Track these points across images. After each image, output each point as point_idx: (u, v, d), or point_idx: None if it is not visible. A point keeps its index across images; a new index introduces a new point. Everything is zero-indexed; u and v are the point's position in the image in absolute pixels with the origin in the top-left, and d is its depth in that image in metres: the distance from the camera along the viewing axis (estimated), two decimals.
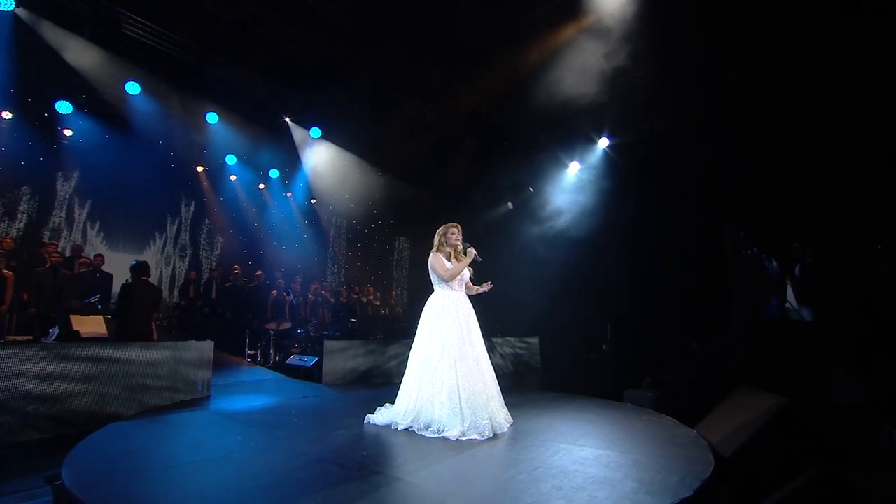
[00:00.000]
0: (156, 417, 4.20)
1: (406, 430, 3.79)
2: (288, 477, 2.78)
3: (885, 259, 6.21)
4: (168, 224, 10.59)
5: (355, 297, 10.28)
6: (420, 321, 4.11)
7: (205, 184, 10.92)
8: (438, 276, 4.07)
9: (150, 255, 10.06)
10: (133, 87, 8.07)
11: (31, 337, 5.80)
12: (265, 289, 9.06)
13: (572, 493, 2.54)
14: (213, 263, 10.84)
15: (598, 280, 9.24)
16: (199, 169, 10.69)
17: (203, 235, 11.10)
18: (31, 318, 6.50)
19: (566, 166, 9.92)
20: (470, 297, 4.25)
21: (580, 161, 9.70)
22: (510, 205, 11.38)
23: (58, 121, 8.35)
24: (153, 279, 7.77)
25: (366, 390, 5.91)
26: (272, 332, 8.18)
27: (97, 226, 9.41)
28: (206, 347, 5.27)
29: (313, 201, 12.01)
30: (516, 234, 10.71)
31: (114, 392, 4.36)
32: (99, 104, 8.40)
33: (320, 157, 10.68)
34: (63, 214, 9.01)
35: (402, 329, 9.57)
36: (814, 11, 5.30)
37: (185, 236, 10.79)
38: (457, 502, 2.51)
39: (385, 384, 6.29)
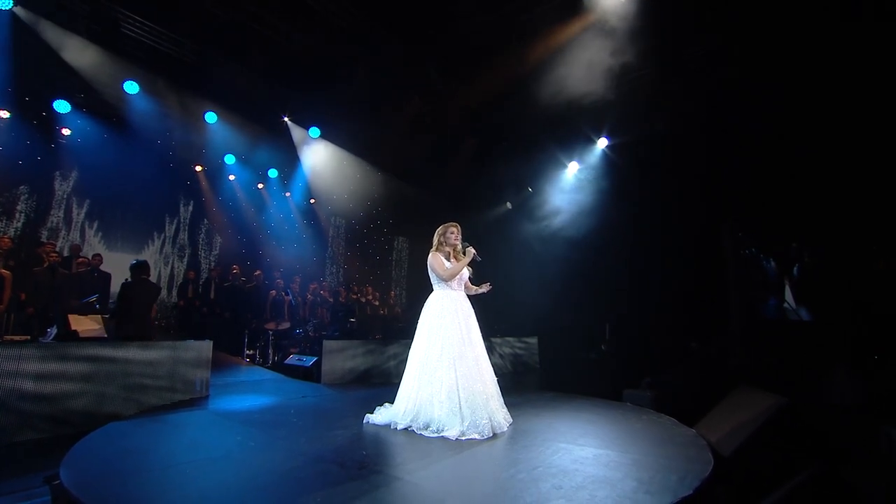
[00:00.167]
0: (154, 417, 4.19)
1: (405, 429, 3.79)
2: (287, 476, 2.78)
3: (883, 259, 6.22)
4: (167, 224, 10.56)
5: (354, 297, 10.28)
6: (419, 320, 4.10)
7: (203, 183, 10.90)
8: (438, 276, 4.07)
9: (149, 255, 10.04)
10: (131, 87, 8.05)
11: (28, 337, 5.78)
12: (264, 289, 9.04)
13: (572, 492, 2.54)
14: (212, 263, 10.83)
15: (597, 280, 9.25)
16: (198, 168, 10.66)
17: (202, 235, 11.08)
18: (29, 317, 6.48)
19: (565, 166, 9.93)
20: (469, 296, 4.25)
21: (579, 161, 9.71)
22: (509, 205, 11.38)
23: (56, 120, 8.32)
24: (152, 279, 7.73)
25: (365, 390, 5.91)
26: (271, 332, 8.17)
27: (95, 225, 9.38)
28: (205, 347, 5.26)
29: (312, 201, 12.00)
30: (515, 233, 10.72)
31: (112, 392, 4.35)
32: (97, 103, 8.38)
33: (319, 157, 10.66)
34: (61, 214, 8.98)
35: (400, 329, 9.56)
36: (814, 11, 5.32)
37: (183, 236, 10.77)
38: (456, 502, 2.51)
39: (384, 384, 6.28)
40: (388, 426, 3.89)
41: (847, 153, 6.02)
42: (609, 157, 9.20)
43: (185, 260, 10.71)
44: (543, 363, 9.29)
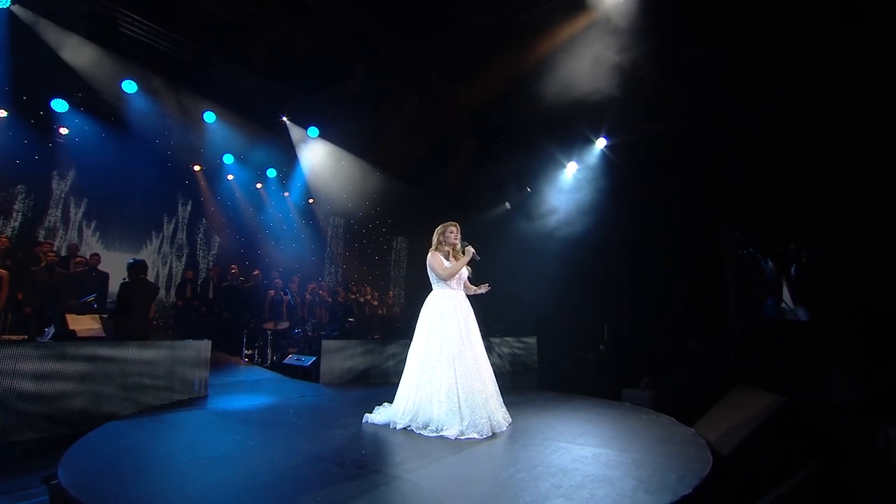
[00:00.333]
0: (153, 417, 4.18)
1: (404, 429, 3.79)
2: (286, 476, 2.77)
3: (880, 259, 6.24)
4: (165, 223, 10.53)
5: (353, 297, 10.27)
6: (418, 320, 4.10)
7: (202, 183, 10.87)
8: (437, 275, 4.07)
9: (147, 255, 10.00)
10: (130, 86, 8.02)
11: (25, 336, 5.76)
12: (262, 288, 9.03)
13: (572, 491, 2.54)
14: (211, 263, 10.80)
15: (596, 280, 9.26)
16: (197, 168, 10.63)
17: (200, 235, 11.05)
18: (27, 317, 6.46)
19: (564, 166, 9.94)
20: (468, 296, 4.25)
21: (578, 161, 9.72)
22: (508, 205, 11.39)
23: (53, 119, 8.27)
24: (150, 279, 7.71)
25: (363, 390, 5.90)
26: (269, 332, 8.16)
27: (93, 225, 9.35)
28: (204, 347, 5.25)
29: (311, 201, 11.98)
30: (514, 234, 10.73)
31: (110, 391, 4.33)
32: (95, 103, 8.35)
33: (318, 157, 10.64)
34: (59, 213, 8.94)
35: (399, 329, 9.56)
36: (813, 11, 5.33)
37: (181, 236, 10.74)
38: (456, 501, 2.50)
39: (383, 384, 6.28)
40: (387, 426, 3.89)
41: (845, 154, 6.04)
42: (608, 157, 9.21)
43: (184, 260, 10.68)
44: (542, 363, 9.29)
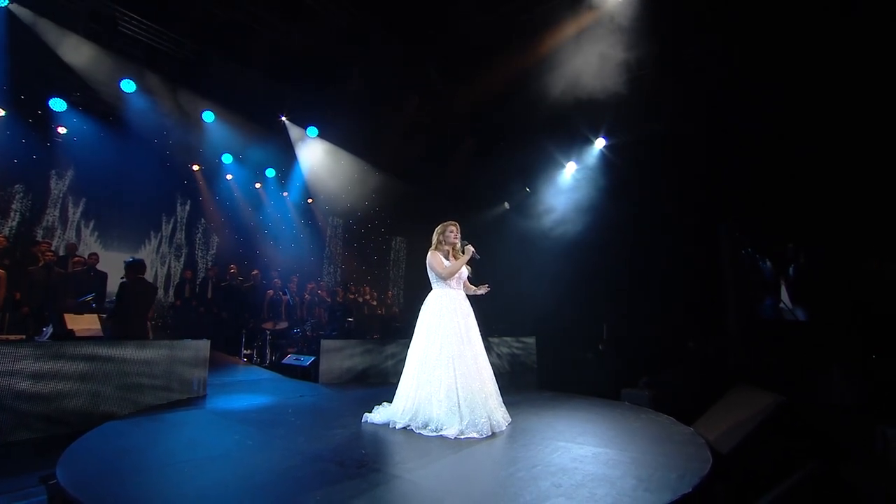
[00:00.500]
0: (152, 416, 4.17)
1: (404, 428, 3.78)
2: (286, 475, 2.77)
3: (878, 259, 6.26)
4: (163, 223, 10.51)
5: (352, 297, 10.26)
6: (418, 319, 4.10)
7: (201, 183, 10.85)
8: (437, 274, 4.07)
9: (146, 254, 9.98)
10: (128, 85, 8.00)
11: (23, 336, 5.73)
12: (261, 288, 9.02)
13: (572, 490, 2.54)
14: (209, 263, 10.78)
15: (595, 280, 9.26)
16: (195, 168, 10.61)
17: (199, 234, 11.03)
18: (24, 317, 6.43)
19: (563, 166, 9.95)
20: (467, 296, 4.25)
21: (577, 161, 9.73)
22: (507, 205, 11.39)
23: (52, 118, 8.25)
24: (148, 279, 7.69)
25: (363, 389, 5.89)
26: (268, 332, 8.15)
27: (91, 224, 9.33)
28: (202, 346, 5.23)
29: (310, 201, 11.97)
30: (513, 234, 10.73)
31: (109, 391, 4.32)
32: (94, 102, 8.33)
33: (317, 157, 10.63)
34: (57, 213, 8.92)
35: (398, 329, 9.55)
36: (813, 11, 5.35)
37: (180, 235, 10.72)
38: (456, 500, 2.50)
39: (382, 384, 6.27)
40: (386, 425, 3.89)
41: (844, 154, 6.05)
42: (607, 157, 9.22)
43: (182, 259, 10.66)
44: (541, 363, 9.30)
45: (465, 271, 4.20)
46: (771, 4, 5.57)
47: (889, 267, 6.00)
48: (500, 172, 10.35)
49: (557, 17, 6.77)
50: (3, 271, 6.09)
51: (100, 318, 5.66)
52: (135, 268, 5.55)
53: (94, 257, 7.57)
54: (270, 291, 8.88)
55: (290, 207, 11.81)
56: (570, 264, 9.36)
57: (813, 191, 6.46)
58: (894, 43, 5.10)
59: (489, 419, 3.71)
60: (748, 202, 7.47)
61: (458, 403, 3.69)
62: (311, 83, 8.69)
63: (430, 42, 7.80)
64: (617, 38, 6.49)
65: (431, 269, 4.09)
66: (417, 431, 3.70)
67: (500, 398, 4.03)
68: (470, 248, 4.08)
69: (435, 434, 3.61)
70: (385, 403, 4.15)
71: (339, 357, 6.48)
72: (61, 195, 8.96)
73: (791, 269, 7.43)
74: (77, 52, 7.28)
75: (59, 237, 8.86)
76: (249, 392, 5.44)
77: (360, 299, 10.42)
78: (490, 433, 3.65)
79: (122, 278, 5.66)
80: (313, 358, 6.55)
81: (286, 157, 10.58)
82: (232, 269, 9.20)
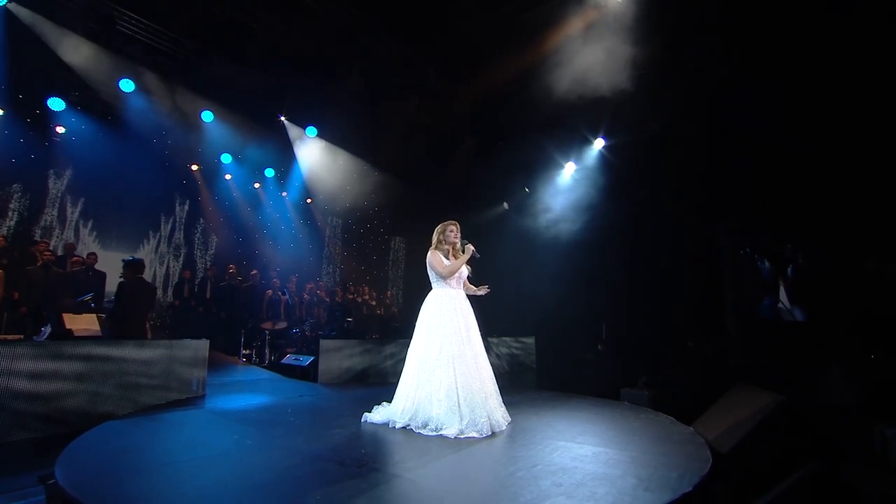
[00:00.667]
0: (151, 416, 4.16)
1: (404, 428, 3.78)
2: (285, 475, 2.76)
3: (875, 260, 6.28)
4: (162, 223, 10.49)
5: (351, 296, 10.25)
6: (418, 319, 4.10)
7: (199, 182, 10.84)
8: (437, 273, 4.07)
9: (144, 254, 9.96)
10: (127, 85, 7.99)
11: (21, 336, 5.71)
12: (260, 288, 9.00)
13: (572, 490, 2.54)
14: (208, 263, 10.76)
15: (594, 280, 9.27)
16: (194, 168, 10.60)
17: (198, 234, 11.01)
18: (23, 316, 6.41)
19: (562, 167, 9.95)
20: (467, 296, 4.25)
21: (576, 161, 9.73)
22: (506, 205, 11.39)
23: (50, 118, 8.24)
24: (147, 279, 7.68)
25: (362, 389, 5.89)
26: (267, 332, 8.13)
27: (90, 224, 9.31)
28: (202, 346, 5.22)
29: (309, 200, 11.96)
30: (512, 234, 10.73)
31: (107, 391, 4.30)
32: (92, 101, 8.32)
33: (316, 157, 10.63)
34: (55, 213, 8.90)
35: (397, 329, 9.55)
36: (814, 11, 5.36)
37: (179, 235, 10.70)
38: (456, 499, 2.50)
39: (381, 384, 6.27)
40: (386, 425, 3.88)
41: (842, 155, 6.07)
42: (606, 157, 9.23)
43: (181, 259, 10.65)
44: (540, 363, 9.30)
45: (465, 271, 4.20)
46: (771, 4, 5.58)
47: (888, 267, 6.02)
48: (499, 172, 10.35)
49: (557, 17, 6.77)
50: (1, 271, 6.08)
51: (98, 318, 5.64)
52: (133, 267, 5.54)
53: (93, 257, 7.55)
54: (269, 291, 8.87)
55: (289, 207, 11.79)
56: (570, 264, 9.37)
57: (812, 191, 6.47)
58: (894, 43, 5.11)
59: (489, 419, 3.71)
60: (747, 202, 7.49)
61: (458, 403, 3.69)
62: (310, 83, 8.68)
63: (430, 42, 7.80)
64: (617, 38, 6.49)
65: (432, 268, 4.09)
66: (417, 431, 3.69)
67: (499, 398, 4.03)
68: (470, 247, 4.08)
69: (435, 434, 3.61)
70: (384, 403, 4.15)
71: (338, 357, 6.47)
72: (59, 195, 8.94)
73: (789, 270, 7.45)
74: (76, 51, 7.27)
75: (58, 237, 8.84)
76: (248, 392, 5.43)
77: (359, 299, 10.41)
78: (490, 433, 3.65)
79: (120, 277, 5.65)
80: (312, 358, 6.54)
81: (285, 156, 10.57)
82: (231, 268, 9.19)
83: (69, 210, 9.06)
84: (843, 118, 5.82)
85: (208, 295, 8.86)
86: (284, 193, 11.62)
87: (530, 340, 9.49)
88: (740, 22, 5.84)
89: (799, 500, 3.13)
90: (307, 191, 11.49)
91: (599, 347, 9.07)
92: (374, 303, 10.79)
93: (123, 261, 5.62)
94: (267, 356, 7.97)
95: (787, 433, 3.80)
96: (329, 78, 8.49)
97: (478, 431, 3.59)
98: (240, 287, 8.97)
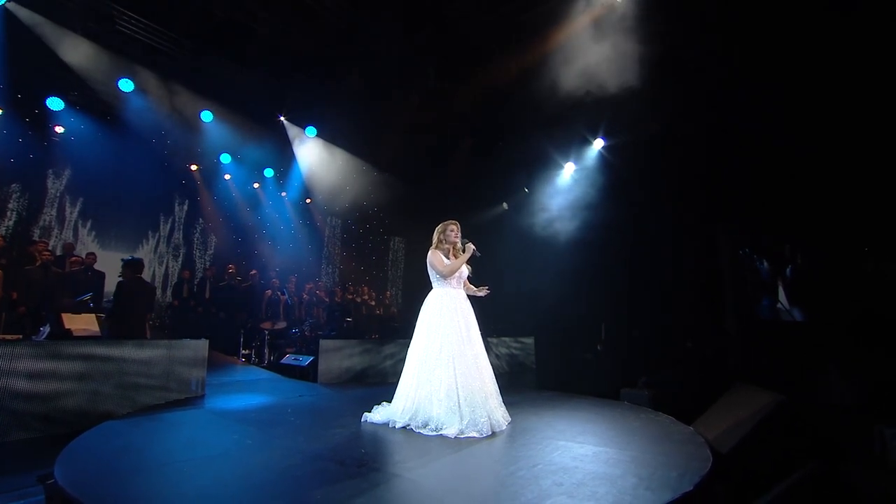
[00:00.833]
0: (150, 416, 4.15)
1: (404, 428, 3.78)
2: (286, 474, 2.76)
3: (873, 260, 6.28)
4: (161, 223, 10.47)
5: (350, 297, 10.24)
6: (418, 319, 4.09)
7: (199, 182, 10.82)
8: (438, 273, 4.06)
9: (143, 254, 9.94)
10: (126, 84, 7.98)
11: (20, 336, 5.70)
12: (259, 288, 8.99)
13: (573, 489, 2.53)
14: (207, 263, 10.74)
15: (594, 280, 9.27)
16: (193, 167, 10.58)
17: (197, 234, 10.99)
18: (21, 316, 6.39)
19: (562, 167, 9.96)
20: (467, 296, 4.24)
21: (575, 162, 9.74)
22: (505, 205, 11.39)
23: (49, 117, 8.22)
24: (146, 279, 7.67)
25: (362, 389, 5.88)
26: (267, 332, 8.12)
27: (89, 224, 9.29)
28: (201, 346, 5.21)
29: (308, 201, 11.94)
30: (511, 234, 10.72)
31: (106, 391, 4.30)
32: (91, 101, 8.30)
33: (315, 157, 10.62)
34: (54, 212, 8.88)
35: (396, 329, 9.54)
36: (814, 11, 5.37)
37: (178, 235, 10.68)
38: (457, 498, 2.50)
39: (381, 384, 6.26)
40: (386, 425, 3.88)
41: (841, 155, 6.08)
42: (605, 157, 9.23)
43: (180, 259, 10.63)
44: (540, 363, 9.30)
45: (465, 270, 4.20)
46: (771, 4, 5.59)
47: (887, 267, 6.03)
48: (499, 172, 10.35)
49: (557, 16, 6.78)
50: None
51: (98, 318, 5.63)
52: (133, 267, 5.53)
53: (92, 257, 7.53)
54: (268, 291, 8.86)
55: (288, 207, 11.78)
56: (569, 264, 9.37)
57: (811, 191, 6.47)
58: (894, 43, 5.12)
59: (489, 418, 3.71)
60: (747, 202, 7.49)
61: (459, 403, 3.69)
62: (309, 82, 8.68)
63: (428, 42, 7.79)
64: (617, 38, 6.49)
65: (432, 267, 4.08)
66: (417, 431, 3.69)
67: (499, 398, 4.02)
68: (470, 246, 4.09)
69: (435, 433, 3.61)
70: (384, 403, 4.15)
71: (337, 357, 6.46)
72: (58, 194, 8.92)
73: (788, 270, 7.46)
74: (75, 50, 7.25)
75: (57, 237, 8.81)
76: (248, 392, 5.42)
77: (359, 299, 10.41)
78: (490, 432, 3.65)
79: (119, 277, 5.64)
80: (312, 358, 6.53)
81: (284, 156, 10.56)
82: (230, 268, 9.18)
83: (68, 210, 9.04)
84: (843, 118, 5.82)
85: (207, 295, 8.85)
86: (284, 193, 11.61)
87: (530, 340, 9.49)
88: (740, 22, 5.85)
89: (799, 500, 3.13)
90: (306, 191, 11.47)
91: (599, 347, 9.07)
92: (373, 303, 10.79)
93: (122, 260, 5.62)
94: (266, 356, 7.96)
95: (787, 433, 3.80)
96: (329, 77, 8.49)
97: (478, 431, 3.59)
98: (239, 287, 8.96)
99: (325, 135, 10.24)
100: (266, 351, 8.03)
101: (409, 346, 4.11)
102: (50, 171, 8.80)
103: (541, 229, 10.10)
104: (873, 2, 5.16)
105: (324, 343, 6.46)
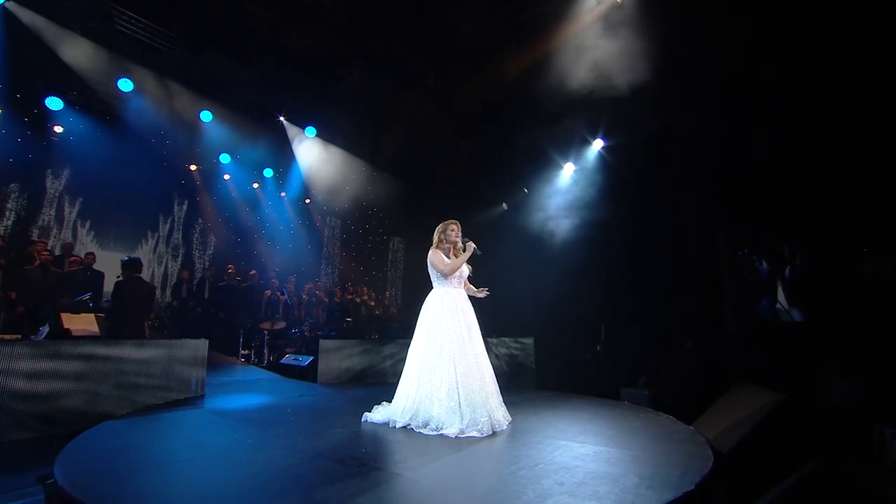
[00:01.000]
0: (150, 416, 4.14)
1: (404, 427, 3.77)
2: (286, 473, 2.75)
3: (872, 260, 6.29)
4: (161, 223, 10.45)
5: (349, 297, 10.23)
6: (419, 318, 4.09)
7: (198, 182, 10.81)
8: (438, 272, 4.06)
9: (143, 255, 9.92)
10: (126, 84, 7.97)
11: (19, 336, 5.68)
12: (259, 288, 8.98)
13: (574, 488, 2.53)
14: (207, 263, 10.72)
15: (593, 280, 9.27)
16: (193, 167, 10.57)
17: (196, 235, 10.97)
18: (20, 316, 6.37)
19: (561, 167, 9.96)
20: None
21: (575, 162, 9.75)
22: (505, 206, 11.39)
23: (48, 117, 8.20)
24: (145, 279, 7.66)
25: (362, 389, 5.87)
26: (266, 332, 8.11)
27: (88, 224, 9.27)
28: (201, 346, 5.20)
29: (307, 201, 11.94)
30: (511, 234, 10.72)
31: (106, 391, 4.28)
32: (90, 101, 8.29)
33: (315, 157, 10.61)
34: (52, 212, 8.86)
35: (396, 329, 9.53)
36: (814, 11, 5.38)
37: (177, 235, 10.66)
38: (458, 498, 2.49)
39: (380, 384, 6.25)
40: (386, 424, 3.88)
41: (840, 156, 6.08)
42: (605, 157, 9.24)
43: (180, 259, 10.61)
44: (540, 363, 9.30)
45: (466, 270, 4.20)
46: (771, 4, 5.60)
47: (886, 267, 6.04)
48: (499, 172, 10.35)
49: (557, 17, 6.79)
50: None
51: (97, 318, 5.62)
52: (131, 266, 5.51)
53: (91, 257, 7.51)
54: (268, 291, 8.85)
55: (287, 207, 11.77)
56: (569, 264, 9.37)
57: (811, 192, 6.48)
58: (894, 43, 5.13)
59: (490, 418, 3.70)
60: (746, 203, 7.49)
61: (459, 402, 3.68)
62: (309, 82, 8.68)
63: (428, 42, 7.79)
64: (617, 38, 6.51)
65: (433, 266, 4.08)
66: (418, 430, 3.69)
67: (500, 397, 4.02)
68: (471, 245, 4.09)
69: (435, 433, 3.60)
70: (385, 403, 4.14)
71: (337, 357, 6.46)
72: (57, 194, 8.91)
73: (787, 270, 7.46)
74: (74, 50, 7.25)
75: (55, 237, 8.79)
76: (248, 392, 5.41)
77: (358, 300, 10.40)
78: (491, 432, 3.64)
79: (118, 277, 5.62)
80: (311, 358, 6.52)
81: (284, 156, 10.55)
82: (229, 268, 9.16)
83: (67, 210, 9.02)
84: (843, 119, 5.83)
85: (207, 295, 8.83)
86: (283, 193, 11.59)
87: (529, 341, 9.48)
88: (740, 22, 5.86)
89: (799, 500, 3.13)
90: (306, 191, 11.46)
91: (599, 347, 9.07)
92: (372, 303, 10.78)
93: (122, 261, 5.60)
94: (266, 356, 7.94)
95: (787, 433, 3.80)
96: (328, 77, 8.49)
97: (478, 431, 3.59)
98: (238, 287, 8.95)
99: (325, 135, 10.23)
100: (265, 351, 8.02)
101: (408, 347, 4.11)
102: (49, 170, 8.79)
103: (540, 229, 10.10)
104: (873, 2, 5.17)
105: (323, 343, 6.45)
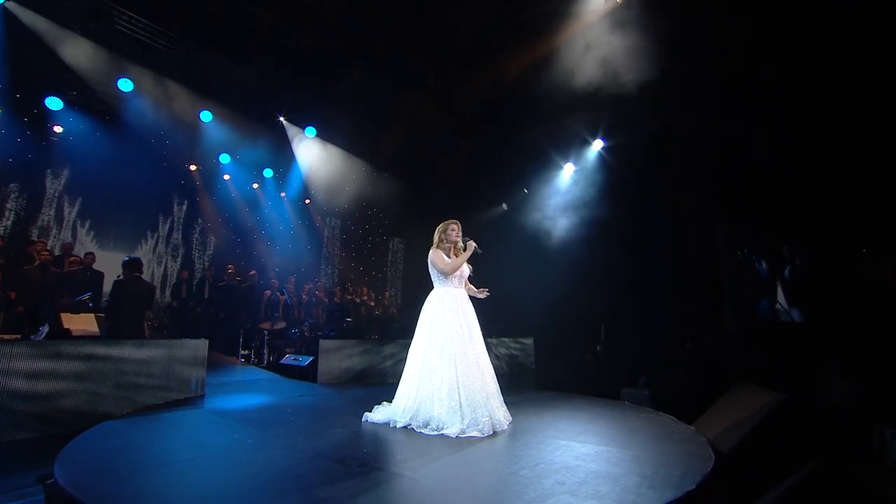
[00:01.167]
0: (150, 416, 4.13)
1: (405, 427, 3.77)
2: (287, 473, 2.75)
3: (871, 261, 6.30)
4: (160, 223, 10.44)
5: (349, 297, 10.23)
6: (419, 318, 4.09)
7: (198, 182, 10.80)
8: (439, 271, 4.06)
9: (142, 255, 9.91)
10: (125, 84, 7.96)
11: (18, 336, 5.67)
12: (259, 288, 8.97)
13: (576, 488, 2.53)
14: (206, 263, 10.72)
15: (593, 280, 9.27)
16: (192, 168, 10.56)
17: (196, 235, 10.97)
18: (20, 316, 6.37)
19: (561, 167, 9.97)
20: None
21: (575, 162, 9.75)
22: (505, 206, 11.39)
23: (48, 117, 8.20)
24: (145, 279, 7.65)
25: (362, 389, 5.87)
26: (266, 332, 8.11)
27: (87, 224, 9.26)
28: (201, 346, 5.19)
29: (307, 201, 11.93)
30: (511, 235, 10.72)
31: (106, 391, 4.27)
32: (90, 101, 8.29)
33: (315, 157, 10.61)
34: (52, 212, 8.85)
35: (396, 329, 9.53)
36: (814, 11, 5.38)
37: (177, 235, 10.66)
38: (459, 498, 2.49)
39: (381, 384, 6.25)
40: (387, 424, 3.87)
41: (840, 156, 6.09)
42: (605, 158, 9.24)
43: (179, 260, 10.60)
44: (540, 363, 9.29)
45: (466, 270, 4.20)
46: (771, 4, 5.60)
47: (886, 267, 6.04)
48: (498, 173, 10.35)
49: (557, 17, 6.79)
50: None
51: (97, 318, 5.61)
52: (131, 266, 5.51)
53: (91, 257, 7.51)
54: (268, 292, 8.85)
55: (287, 207, 11.76)
56: (569, 264, 9.37)
57: (810, 192, 6.48)
58: (894, 43, 5.14)
59: (491, 418, 3.70)
60: (746, 203, 7.50)
61: (460, 402, 3.68)
62: (309, 83, 8.67)
63: (428, 41, 7.79)
64: (617, 38, 6.50)
65: (433, 266, 4.08)
66: (418, 430, 3.68)
67: (501, 397, 4.02)
68: (472, 244, 4.09)
69: (436, 433, 3.60)
70: (385, 402, 4.14)
71: (337, 357, 6.45)
72: (57, 194, 8.90)
73: (787, 271, 7.47)
74: (74, 50, 7.24)
75: (55, 237, 8.79)
76: (248, 392, 5.41)
77: (358, 300, 10.39)
78: (491, 432, 3.64)
79: (118, 277, 5.62)
80: (311, 358, 6.52)
81: (284, 157, 10.55)
82: (229, 269, 9.16)
83: (66, 210, 9.01)
84: (843, 119, 5.83)
85: (206, 295, 8.83)
86: (283, 194, 11.59)
87: (529, 341, 9.47)
88: (740, 22, 5.86)
89: (799, 500, 3.13)
90: (306, 191, 11.46)
91: (599, 348, 9.07)
92: (372, 303, 10.77)
93: (123, 261, 5.60)
94: (265, 356, 7.94)
95: (788, 433, 3.80)
96: (328, 77, 8.48)
97: (479, 431, 3.58)
98: (238, 287, 8.94)
99: (325, 135, 10.23)
100: (265, 351, 8.01)
101: (408, 347, 4.10)
102: (48, 170, 8.78)
103: (540, 229, 10.10)
104: (873, 2, 5.17)
105: (323, 343, 6.45)
